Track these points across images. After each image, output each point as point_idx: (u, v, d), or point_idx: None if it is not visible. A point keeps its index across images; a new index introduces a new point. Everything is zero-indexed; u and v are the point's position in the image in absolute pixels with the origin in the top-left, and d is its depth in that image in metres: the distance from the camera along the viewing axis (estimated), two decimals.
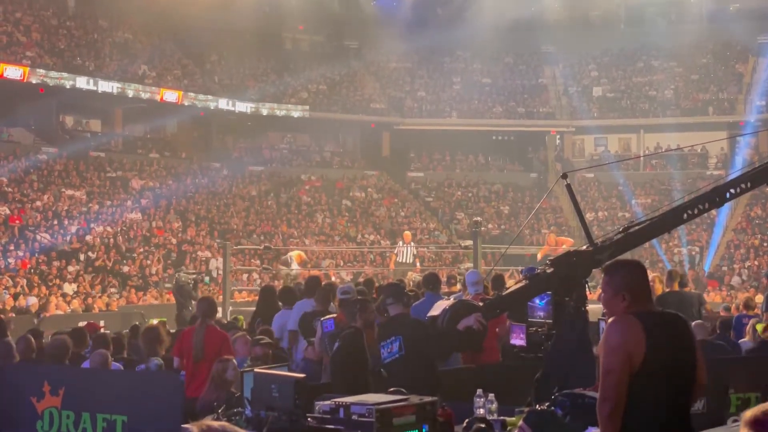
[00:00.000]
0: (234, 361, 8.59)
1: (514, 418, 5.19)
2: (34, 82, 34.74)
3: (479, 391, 5.47)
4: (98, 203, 32.67)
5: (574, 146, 47.09)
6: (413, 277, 18.74)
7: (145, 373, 8.63)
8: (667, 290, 13.16)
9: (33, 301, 22.84)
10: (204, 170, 39.17)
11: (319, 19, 46.07)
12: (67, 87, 35.67)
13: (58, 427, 8.17)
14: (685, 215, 7.67)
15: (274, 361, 9.41)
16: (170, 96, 38.99)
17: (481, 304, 7.67)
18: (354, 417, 4.75)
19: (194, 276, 21.73)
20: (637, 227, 7.97)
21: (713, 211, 38.70)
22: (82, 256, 28.64)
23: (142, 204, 33.96)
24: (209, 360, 9.20)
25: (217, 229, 34.54)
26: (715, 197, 7.54)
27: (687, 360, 4.86)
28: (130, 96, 37.82)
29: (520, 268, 17.35)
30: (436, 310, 7.33)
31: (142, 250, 30.85)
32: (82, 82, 36.13)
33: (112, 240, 30.42)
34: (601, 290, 5.06)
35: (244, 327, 13.53)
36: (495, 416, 5.32)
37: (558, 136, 46.86)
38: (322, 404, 4.84)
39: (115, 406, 7.85)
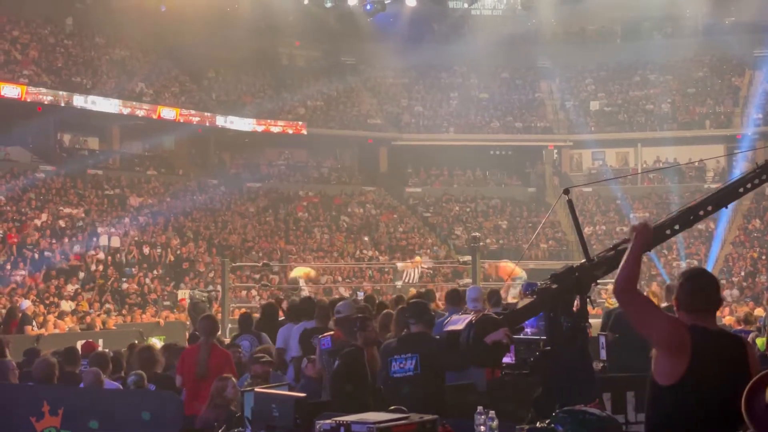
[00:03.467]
0: (233, 379, 8.57)
1: None
2: (31, 100, 34.76)
3: (480, 409, 5.45)
4: (96, 221, 32.62)
5: (572, 160, 47.12)
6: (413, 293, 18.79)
7: (143, 392, 8.61)
8: (665, 305, 13.14)
9: (27, 304, 22.56)
10: (202, 187, 39.15)
11: (315, 35, 46.11)
12: (65, 105, 35.69)
13: None
14: (668, 231, 7.67)
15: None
16: (168, 113, 39.03)
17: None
18: None
19: (207, 294, 21.79)
20: (627, 244, 7.94)
21: (711, 225, 38.83)
22: (80, 275, 28.56)
23: (140, 222, 33.92)
24: (212, 378, 9.20)
25: (215, 246, 34.48)
26: (690, 216, 7.54)
27: (732, 385, 4.60)
28: (128, 114, 37.84)
29: (518, 283, 17.36)
30: (457, 324, 7.28)
31: (140, 267, 30.79)
32: (79, 101, 36.16)
33: (110, 258, 30.38)
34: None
35: None
36: None
37: (555, 151, 46.92)
38: (323, 423, 4.82)
39: (113, 425, 7.86)
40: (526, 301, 7.41)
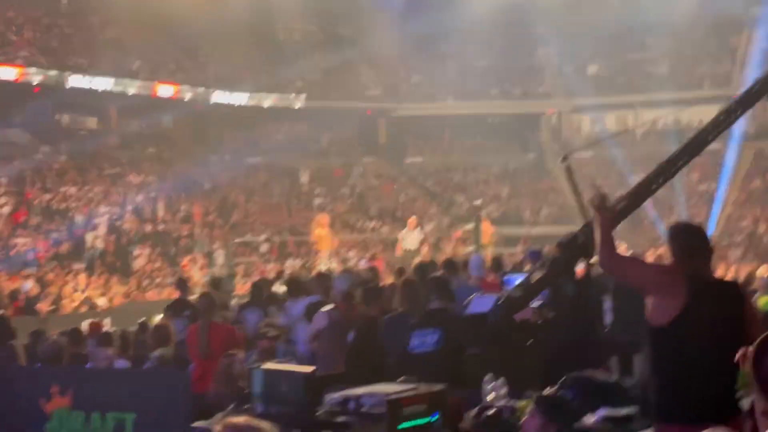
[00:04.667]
0: (240, 355, 8.59)
1: (523, 402, 5.18)
2: (28, 81, 34.67)
3: (488, 376, 5.46)
4: (99, 200, 32.62)
5: (572, 126, 47.02)
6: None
7: (151, 370, 8.63)
8: None
9: (29, 286, 22.58)
10: (202, 163, 39.08)
11: (311, 8, 45.90)
12: (62, 85, 35.61)
13: (68, 428, 8.22)
14: (654, 186, 7.76)
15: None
16: (165, 90, 38.93)
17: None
18: (364, 408, 4.75)
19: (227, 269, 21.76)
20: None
21: (713, 185, 38.83)
22: (85, 254, 28.58)
23: (142, 199, 33.90)
24: (217, 356, 9.22)
25: (219, 223, 34.48)
26: (671, 168, 7.64)
27: (727, 330, 4.77)
28: (125, 92, 37.74)
29: (520, 250, 17.38)
30: (480, 305, 7.25)
31: (143, 245, 30.79)
32: (76, 81, 36.06)
33: (114, 236, 30.39)
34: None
35: None
36: (505, 401, 5.32)
37: (554, 116, 46.81)
38: (332, 396, 4.83)
39: (124, 405, 7.88)
40: (537, 273, 7.43)
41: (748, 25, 44.60)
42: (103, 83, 36.86)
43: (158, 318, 13.71)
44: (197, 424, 5.67)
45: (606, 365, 7.81)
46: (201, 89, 40.46)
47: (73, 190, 33.07)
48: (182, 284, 15.00)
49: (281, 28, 47.96)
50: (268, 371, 5.21)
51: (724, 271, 24.39)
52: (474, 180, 43.38)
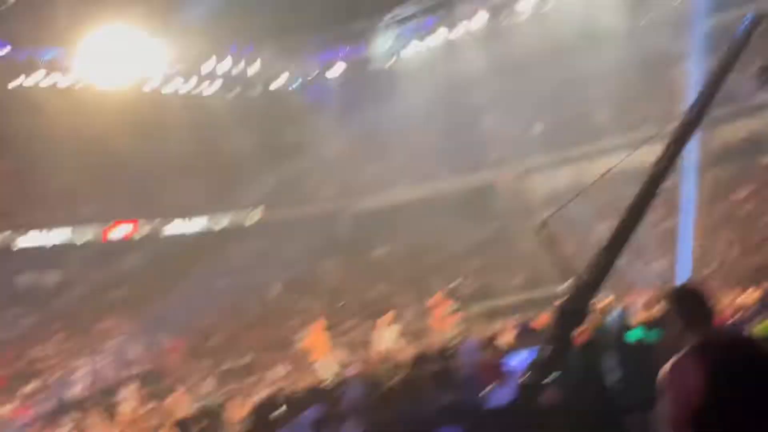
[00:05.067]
0: None
1: None
2: None
3: None
4: (74, 353, 32.16)
5: (528, 187, 47.26)
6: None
7: None
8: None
9: None
10: (172, 297, 38.69)
11: (249, 123, 46.09)
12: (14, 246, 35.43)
13: None
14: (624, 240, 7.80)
15: None
16: (121, 231, 38.77)
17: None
18: None
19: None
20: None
21: (676, 224, 38.96)
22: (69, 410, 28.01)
23: (118, 344, 33.47)
24: None
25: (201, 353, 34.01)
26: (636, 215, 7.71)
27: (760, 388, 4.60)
28: (82, 242, 37.52)
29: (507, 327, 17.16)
30: (499, 397, 6.96)
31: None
32: (29, 239, 35.82)
33: (96, 386, 29.77)
34: None
35: None
36: None
37: (509, 182, 47.02)
38: None
39: None
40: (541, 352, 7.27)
41: (678, 59, 45.29)
42: (57, 236, 36.60)
43: None
44: None
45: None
46: (157, 221, 40.32)
47: (47, 347, 32.59)
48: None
49: (224, 148, 47.97)
50: None
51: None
52: (442, 260, 43.24)
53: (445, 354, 11.31)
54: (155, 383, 31.44)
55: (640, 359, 10.00)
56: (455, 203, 46.21)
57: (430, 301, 28.94)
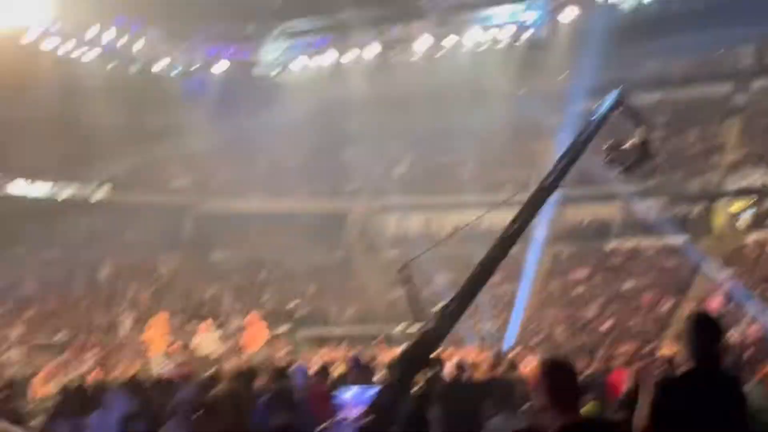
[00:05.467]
0: None
1: None
2: None
3: None
4: None
5: (379, 225, 47.60)
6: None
7: None
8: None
9: None
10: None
11: (121, 100, 45.12)
12: None
13: None
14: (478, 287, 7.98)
15: None
16: None
17: None
18: None
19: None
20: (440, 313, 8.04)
21: (512, 290, 39.78)
22: None
23: None
24: None
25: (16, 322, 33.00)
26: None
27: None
28: None
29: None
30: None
31: None
32: None
33: None
34: None
35: None
36: None
37: (362, 215, 47.26)
38: None
39: None
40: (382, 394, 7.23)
41: (548, 132, 46.42)
42: None
43: None
44: None
45: None
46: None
47: None
48: None
49: (88, 120, 46.84)
50: None
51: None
52: (280, 277, 43.09)
53: (277, 373, 11.06)
54: None
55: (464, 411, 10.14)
56: (305, 224, 46.13)
57: (246, 319, 28.72)
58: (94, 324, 34.83)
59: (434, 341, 7.24)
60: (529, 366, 20.58)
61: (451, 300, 7.73)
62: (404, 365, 7.14)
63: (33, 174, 40.27)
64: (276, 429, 6.79)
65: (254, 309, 39.08)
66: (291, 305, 34.11)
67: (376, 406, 7.06)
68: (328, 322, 39.74)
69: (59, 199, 40.69)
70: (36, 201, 40.07)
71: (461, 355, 28.38)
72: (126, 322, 34.56)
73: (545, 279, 41.25)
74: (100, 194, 41.81)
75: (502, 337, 36.63)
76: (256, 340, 24.35)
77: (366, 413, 7.23)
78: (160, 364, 23.82)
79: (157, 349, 24.73)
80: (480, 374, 15.07)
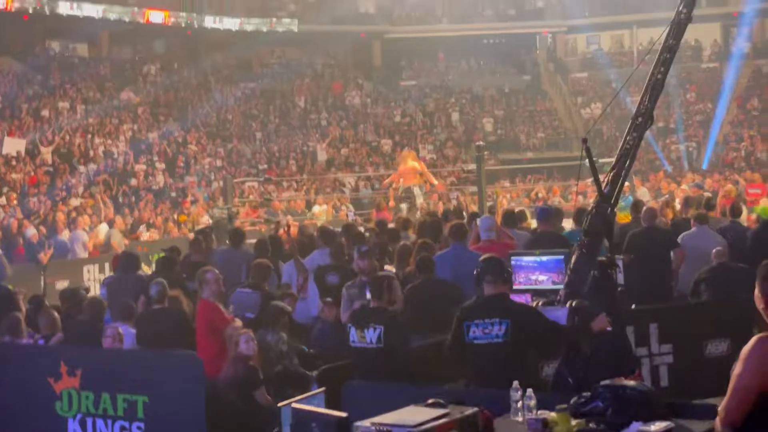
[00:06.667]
0: (249, 332, 8.26)
1: (554, 415, 4.99)
2: (16, 9, 34.11)
3: (515, 384, 5.28)
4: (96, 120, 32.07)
5: (567, 46, 46.57)
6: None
7: (164, 354, 8.43)
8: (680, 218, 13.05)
9: (32, 232, 21.31)
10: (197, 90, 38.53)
11: None
12: (50, 12, 35.06)
13: (78, 408, 8.11)
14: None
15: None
16: (156, 16, 38.31)
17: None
18: None
19: (227, 210, 19.98)
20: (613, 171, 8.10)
21: (710, 105, 38.56)
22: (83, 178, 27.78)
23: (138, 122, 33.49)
24: (201, 335, 8.94)
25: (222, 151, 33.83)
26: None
27: None
28: (115, 19, 37.11)
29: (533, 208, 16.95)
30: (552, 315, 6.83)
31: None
32: (65, 8, 35.44)
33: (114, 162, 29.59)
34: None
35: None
36: (534, 413, 5.13)
37: (549, 37, 46.23)
38: (362, 427, 4.66)
39: (135, 387, 7.75)
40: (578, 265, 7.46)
41: None
42: (92, 9, 36.18)
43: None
44: None
45: (639, 371, 7.72)
46: (193, 15, 39.75)
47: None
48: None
49: None
50: (297, 411, 5.00)
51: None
52: (469, 102, 42.82)
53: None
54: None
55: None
56: (492, 48, 45.44)
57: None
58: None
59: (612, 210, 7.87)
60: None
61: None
62: (590, 236, 7.71)
63: (223, 9, 40.75)
64: (489, 298, 6.74)
65: (443, 135, 39.26)
66: (479, 143, 33.01)
67: (573, 273, 7.59)
68: (518, 147, 39.47)
69: (250, 32, 41.13)
70: (229, 34, 40.65)
71: (650, 186, 27.68)
72: (320, 151, 35.12)
73: (742, 97, 39.78)
74: (289, 26, 42.02)
75: (699, 158, 35.81)
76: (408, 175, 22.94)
77: (566, 283, 7.61)
78: (419, 196, 22.97)
79: (408, 182, 23.61)
80: (670, 215, 14.74)
